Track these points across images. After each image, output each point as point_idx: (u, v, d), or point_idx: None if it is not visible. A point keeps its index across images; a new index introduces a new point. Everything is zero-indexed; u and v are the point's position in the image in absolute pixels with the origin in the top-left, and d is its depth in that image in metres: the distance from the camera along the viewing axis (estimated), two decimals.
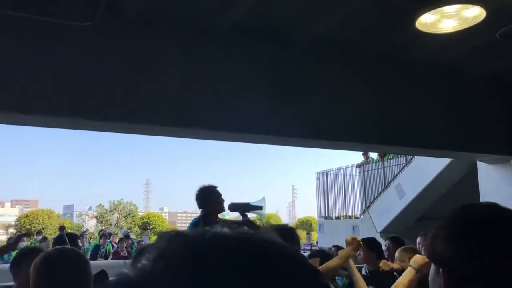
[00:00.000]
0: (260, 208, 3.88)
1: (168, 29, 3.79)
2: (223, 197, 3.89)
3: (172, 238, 0.41)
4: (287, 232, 2.37)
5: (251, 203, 3.93)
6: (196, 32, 3.88)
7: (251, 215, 3.99)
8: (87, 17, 3.37)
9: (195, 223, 3.81)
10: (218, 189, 3.92)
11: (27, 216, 40.91)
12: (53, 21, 3.31)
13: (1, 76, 3.22)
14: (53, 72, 3.36)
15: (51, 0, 3.36)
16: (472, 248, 0.95)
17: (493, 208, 1.06)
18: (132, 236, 13.16)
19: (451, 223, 1.04)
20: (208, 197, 3.84)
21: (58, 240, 8.77)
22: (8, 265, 2.70)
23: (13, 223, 39.41)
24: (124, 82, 3.60)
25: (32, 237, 12.91)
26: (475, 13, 2.96)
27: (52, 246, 7.66)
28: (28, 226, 35.20)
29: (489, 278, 0.92)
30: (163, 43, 3.78)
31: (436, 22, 3.12)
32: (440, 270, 0.98)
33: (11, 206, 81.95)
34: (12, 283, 2.45)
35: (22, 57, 3.30)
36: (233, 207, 3.94)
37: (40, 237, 11.34)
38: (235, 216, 4.24)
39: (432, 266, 1.02)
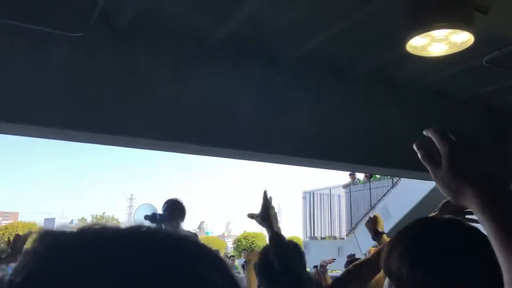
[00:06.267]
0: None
1: (160, 41, 3.78)
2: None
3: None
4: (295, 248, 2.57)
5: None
6: (187, 44, 3.88)
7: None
8: (79, 28, 3.35)
9: None
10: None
11: (6, 228, 39.91)
12: (44, 30, 3.27)
13: None
14: (41, 82, 3.32)
15: (43, 9, 3.34)
16: (421, 264, 0.95)
17: (448, 223, 1.06)
18: None
19: (403, 238, 1.04)
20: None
21: None
22: None
23: None
24: (114, 95, 3.56)
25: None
26: (464, 39, 3.03)
27: None
28: (6, 240, 34.38)
29: None
30: (154, 56, 3.77)
31: (426, 45, 3.19)
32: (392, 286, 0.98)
33: None
34: None
35: (10, 66, 3.26)
36: None
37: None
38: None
39: (386, 280, 1.02)
